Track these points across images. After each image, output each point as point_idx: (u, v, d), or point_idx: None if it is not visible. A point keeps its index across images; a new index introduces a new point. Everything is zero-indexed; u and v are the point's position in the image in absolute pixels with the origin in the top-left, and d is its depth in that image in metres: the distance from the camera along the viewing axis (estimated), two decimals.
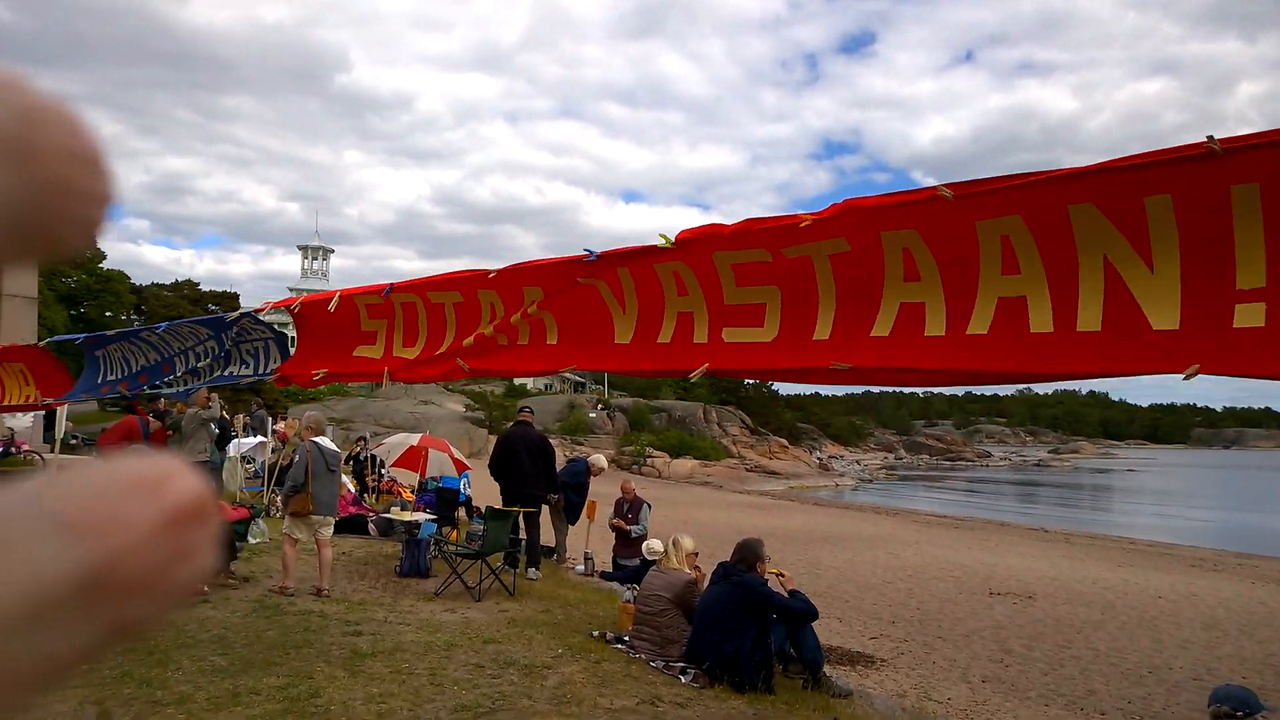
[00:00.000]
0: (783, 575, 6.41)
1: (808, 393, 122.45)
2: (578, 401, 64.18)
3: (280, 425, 16.89)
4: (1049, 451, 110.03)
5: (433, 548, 10.02)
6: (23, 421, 15.55)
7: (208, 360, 5.76)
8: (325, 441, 8.64)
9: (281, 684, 5.30)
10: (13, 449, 15.07)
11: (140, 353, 6.32)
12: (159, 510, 0.23)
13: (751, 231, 2.95)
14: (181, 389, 6.18)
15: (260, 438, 16.56)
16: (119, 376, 6.49)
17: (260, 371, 5.54)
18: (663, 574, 6.68)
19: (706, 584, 6.65)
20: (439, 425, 52.61)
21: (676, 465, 53.14)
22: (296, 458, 8.39)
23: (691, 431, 61.65)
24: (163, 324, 5.97)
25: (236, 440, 14.14)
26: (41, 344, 7.21)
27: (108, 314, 48.24)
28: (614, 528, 11.80)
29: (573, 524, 11.93)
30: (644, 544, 11.18)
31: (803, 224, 2.77)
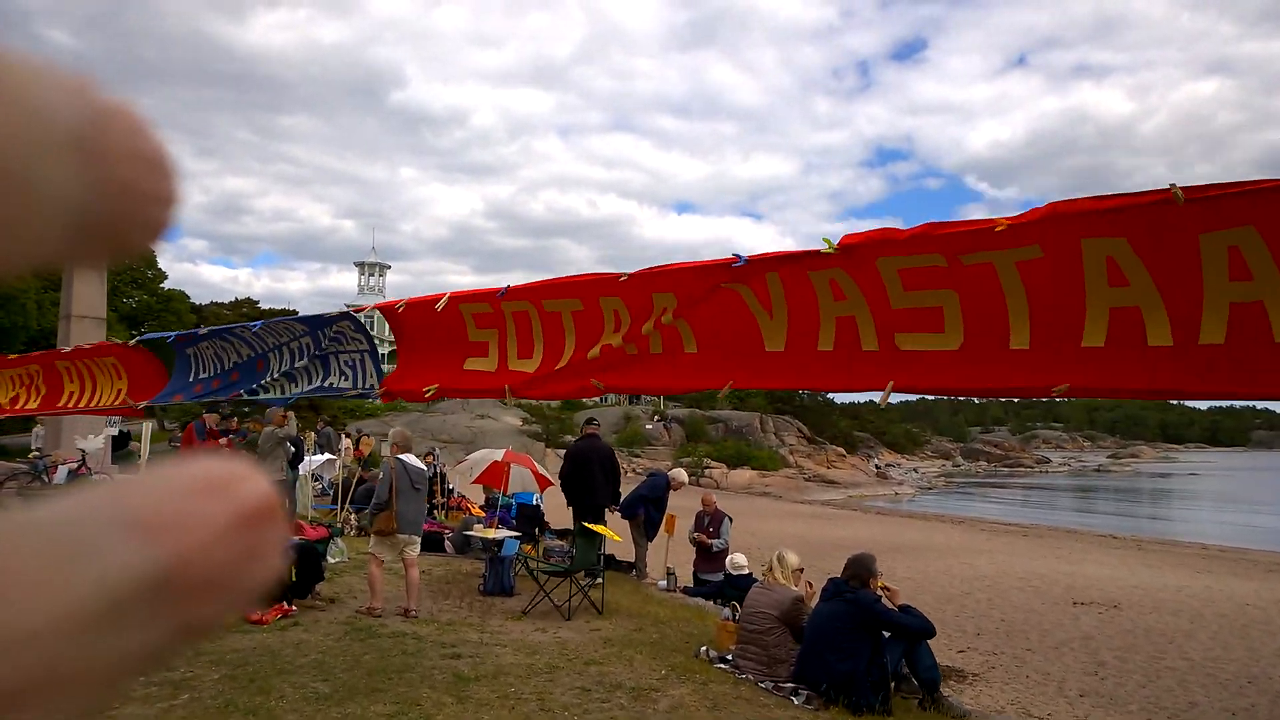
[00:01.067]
0: (889, 589, 6.13)
1: (863, 400, 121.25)
2: (633, 413, 63.99)
3: (347, 443, 16.93)
4: (1108, 456, 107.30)
5: (517, 565, 9.89)
6: (94, 443, 15.76)
7: (304, 361, 5.61)
8: (411, 458, 8.53)
9: (389, 712, 5.15)
10: (83, 469, 15.28)
11: (233, 349, 6.17)
12: (228, 511, 0.23)
13: (929, 236, 2.75)
14: (279, 395, 5.97)
15: (328, 455, 16.60)
16: (211, 374, 6.35)
17: (360, 386, 5.37)
18: (768, 591, 6.43)
19: (816, 600, 6.39)
20: (496, 439, 52.67)
21: (734, 476, 52.69)
22: (381, 475, 8.29)
23: (749, 441, 61.16)
24: (258, 322, 5.83)
25: (307, 458, 14.15)
26: (133, 342, 7.09)
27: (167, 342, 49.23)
28: (695, 542, 11.55)
29: (652, 540, 11.70)
30: (728, 559, 10.94)
31: (998, 229, 2.55)
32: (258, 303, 56.74)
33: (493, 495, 19.39)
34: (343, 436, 18.66)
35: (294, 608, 7.86)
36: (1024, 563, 19.19)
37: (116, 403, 7.26)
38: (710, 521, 11.59)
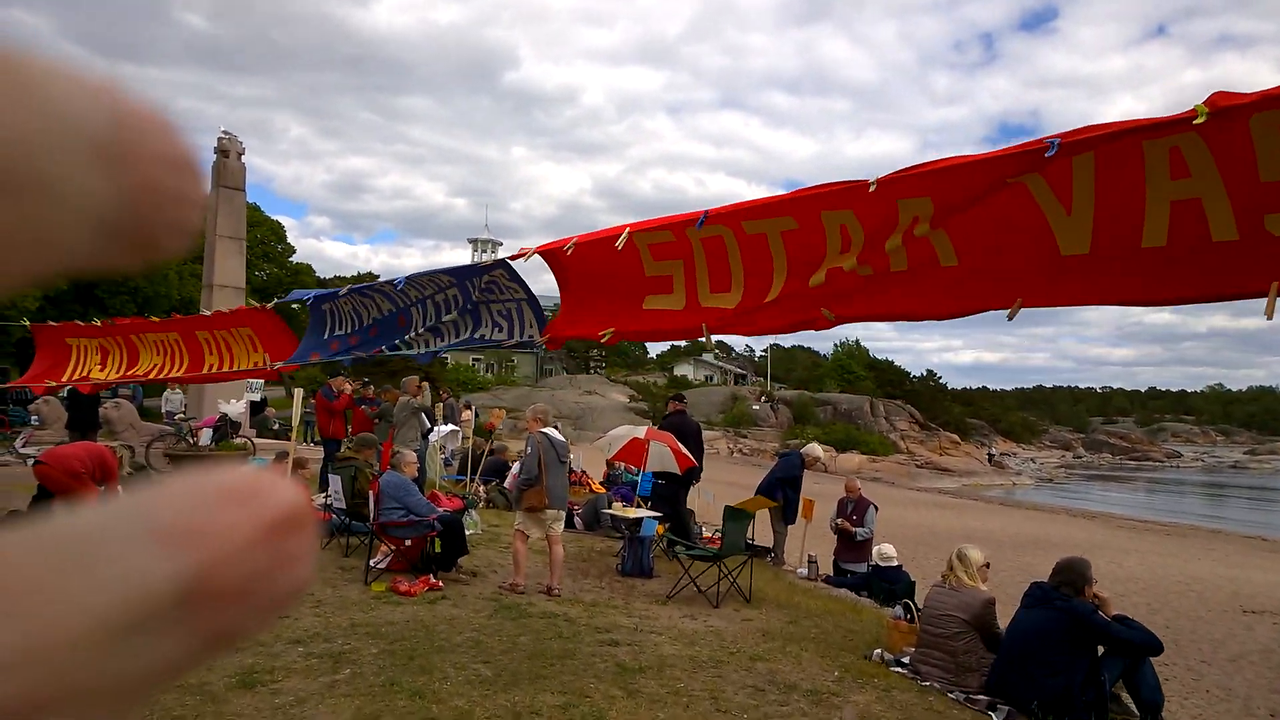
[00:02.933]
0: (1102, 598, 5.49)
1: (976, 386, 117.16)
2: (740, 393, 63.37)
3: (467, 414, 16.91)
4: (1244, 452, 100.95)
5: (656, 547, 9.55)
6: (236, 408, 16.13)
7: (452, 315, 5.19)
8: (554, 432, 8.24)
9: (560, 703, 4.84)
10: (229, 433, 15.65)
11: (373, 304, 5.80)
12: (257, 519, 0.23)
13: None
14: (423, 350, 5.59)
15: (452, 426, 16.63)
16: (349, 330, 5.99)
17: (518, 336, 4.95)
18: (954, 592, 5.87)
19: (999, 604, 5.80)
20: (602, 416, 52.90)
21: (843, 460, 51.48)
22: (528, 449, 8.02)
23: (858, 425, 59.80)
24: (401, 277, 5.43)
25: (435, 429, 14.14)
26: (269, 305, 6.96)
27: (294, 306, 50.99)
28: (837, 530, 11.01)
29: (791, 523, 11.15)
30: (875, 549, 10.37)
31: None
32: (378, 276, 58.06)
33: (614, 472, 19.23)
34: (463, 408, 18.73)
35: (440, 581, 7.69)
36: (1178, 564, 17.93)
37: (261, 369, 7.19)
38: (854, 509, 11.02)
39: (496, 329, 5.05)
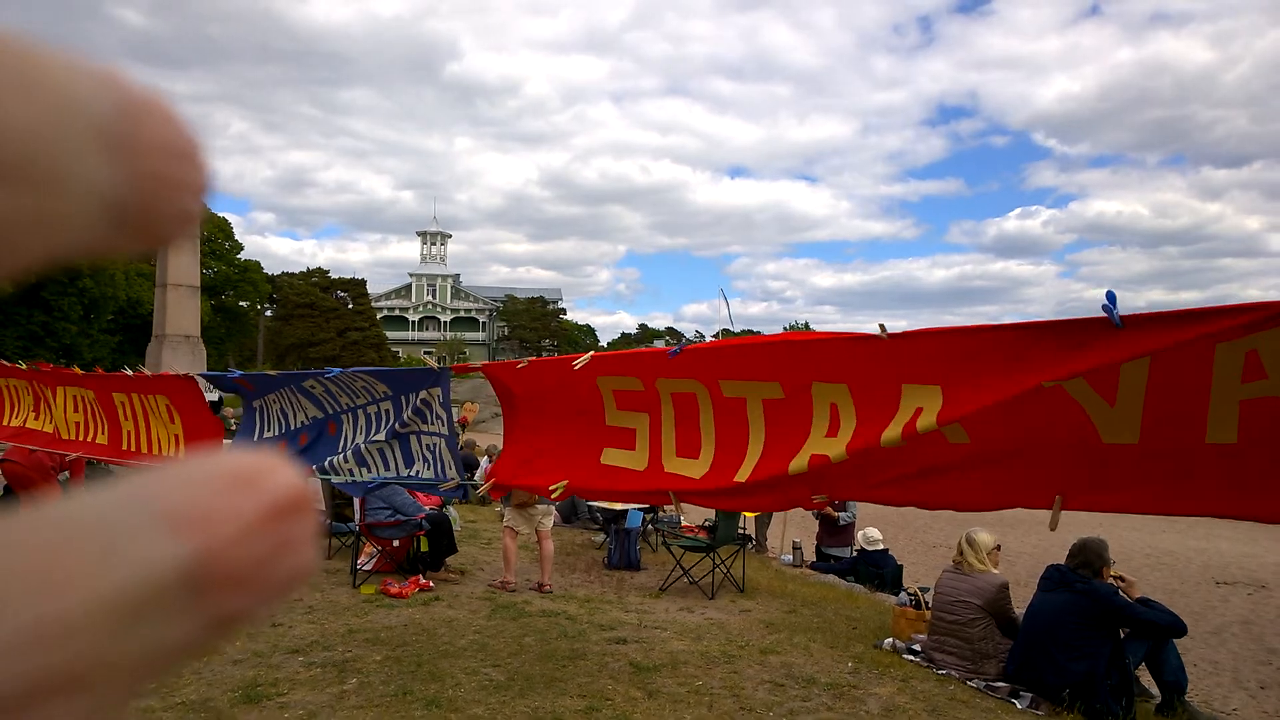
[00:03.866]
0: (1125, 580, 5.47)
1: None
2: None
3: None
4: None
5: (643, 540, 9.41)
6: None
7: (379, 438, 4.69)
8: None
9: (582, 708, 4.67)
10: None
11: (299, 407, 5.34)
12: (258, 503, 0.24)
13: None
14: (349, 481, 5.08)
15: None
16: (277, 433, 5.52)
17: (442, 475, 4.44)
18: (965, 577, 5.81)
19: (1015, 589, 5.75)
20: None
21: None
22: None
23: None
24: (334, 370, 4.97)
25: None
26: (195, 374, 6.05)
27: (243, 303, 49.89)
28: (819, 515, 10.96)
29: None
30: (860, 533, 10.35)
31: None
32: (328, 272, 57.08)
33: None
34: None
35: (429, 581, 7.47)
36: (1144, 537, 18.24)
37: (174, 453, 5.96)
38: None
39: (425, 464, 4.53)
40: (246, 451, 0.25)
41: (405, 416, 4.54)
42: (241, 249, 49.00)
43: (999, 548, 6.11)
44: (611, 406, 3.67)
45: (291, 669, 5.22)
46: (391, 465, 4.66)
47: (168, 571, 0.21)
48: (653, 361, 3.53)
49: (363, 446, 4.79)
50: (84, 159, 0.21)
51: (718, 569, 8.07)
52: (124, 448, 6.42)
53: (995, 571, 5.88)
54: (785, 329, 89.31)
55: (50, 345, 34.60)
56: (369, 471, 4.84)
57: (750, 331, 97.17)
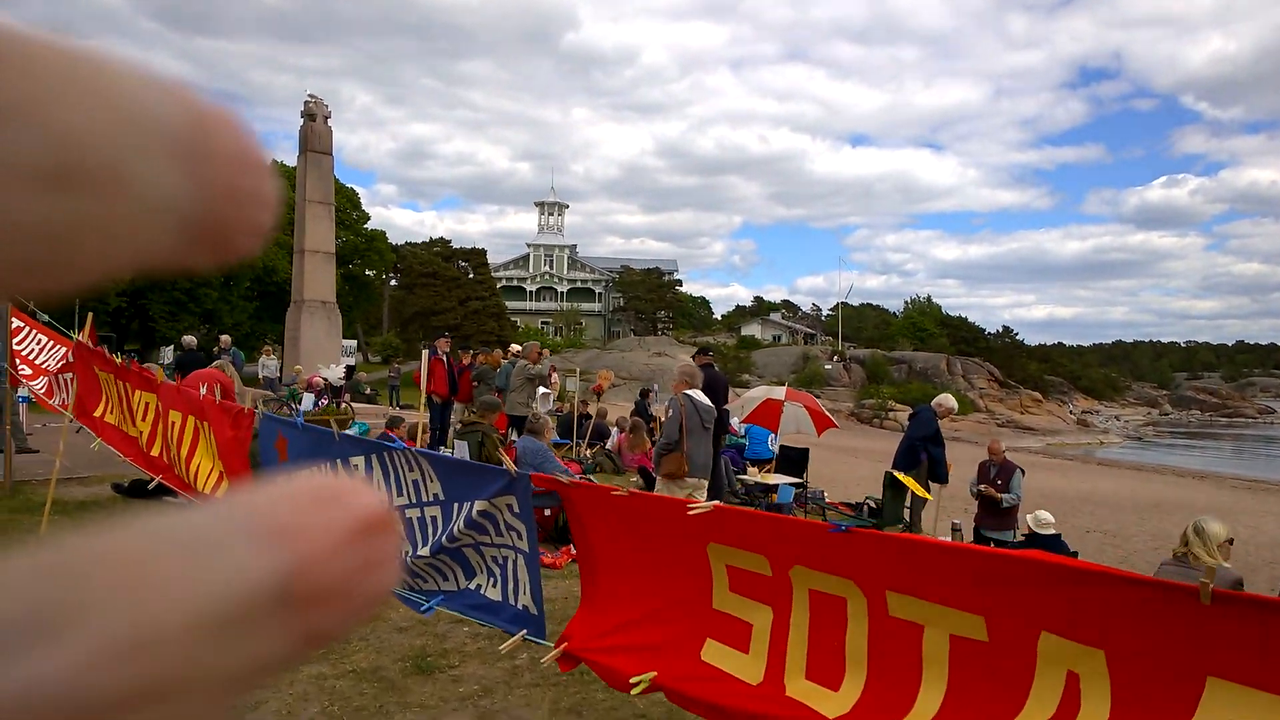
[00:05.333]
0: None
1: (1052, 342, 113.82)
2: (812, 352, 62.32)
3: (555, 376, 16.49)
4: None
5: (797, 514, 8.99)
6: (335, 372, 15.95)
7: (426, 551, 3.70)
8: (699, 395, 7.68)
9: None
10: (330, 398, 15.48)
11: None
12: (346, 520, 0.24)
13: None
14: (405, 593, 4.06)
15: (543, 389, 16.25)
16: None
17: (511, 600, 3.45)
18: (1194, 571, 5.17)
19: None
20: (671, 377, 52.48)
21: None
22: (669, 412, 7.49)
23: (934, 384, 58.43)
24: (396, 442, 4.18)
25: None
26: (250, 409, 5.11)
27: (369, 272, 51.26)
28: (980, 495, 10.29)
29: (945, 483, 10.14)
30: (1030, 516, 9.64)
31: None
32: (450, 242, 58.13)
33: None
34: (552, 370, 18.38)
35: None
36: None
37: (217, 491, 5.13)
38: (999, 473, 10.28)
39: (492, 580, 3.58)
40: (331, 474, 0.26)
41: (455, 530, 3.55)
42: (368, 219, 50.26)
43: (1231, 541, 5.43)
44: (722, 586, 2.77)
45: (458, 639, 5.04)
46: (451, 578, 3.74)
47: (260, 584, 0.22)
48: (795, 538, 2.66)
49: (409, 561, 3.80)
50: (155, 169, 0.22)
51: None
52: (183, 476, 5.59)
53: (1228, 565, 5.22)
54: (905, 302, 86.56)
55: (193, 310, 36.23)
56: (425, 583, 3.85)
57: (871, 306, 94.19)
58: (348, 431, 12.88)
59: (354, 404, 18.97)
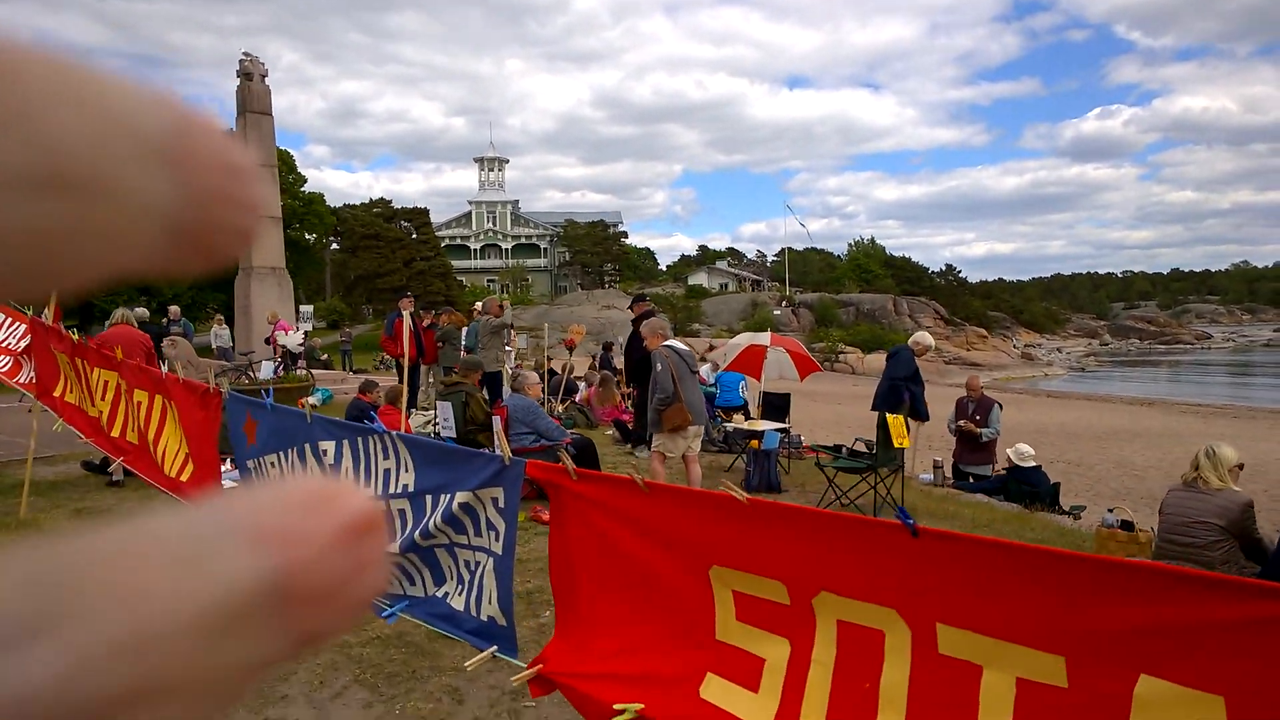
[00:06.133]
0: None
1: (993, 278, 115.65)
2: (761, 299, 62.53)
3: (514, 334, 16.26)
4: (1275, 330, 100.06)
5: (785, 460, 8.95)
6: (294, 338, 15.51)
7: (394, 547, 3.32)
8: (678, 344, 7.56)
9: None
10: (290, 365, 15.06)
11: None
12: (335, 523, 0.25)
13: None
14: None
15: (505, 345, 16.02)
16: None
17: (473, 612, 3.07)
18: (1203, 495, 5.21)
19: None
20: (624, 330, 52.29)
21: (870, 361, 50.90)
22: (658, 367, 7.34)
23: (882, 325, 59.22)
24: (377, 425, 3.63)
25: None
26: (212, 388, 4.67)
27: (309, 236, 49.96)
28: (958, 431, 10.38)
29: (927, 420, 10.11)
30: (1010, 449, 9.74)
31: None
32: (390, 202, 56.80)
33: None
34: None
35: None
36: (1266, 447, 17.37)
37: (183, 473, 4.92)
38: (976, 408, 10.37)
39: (460, 586, 3.18)
40: (320, 476, 0.26)
41: (430, 525, 3.17)
42: (305, 181, 48.86)
43: (1242, 466, 5.47)
44: (728, 614, 2.35)
45: None
46: (418, 582, 3.36)
47: (252, 586, 0.22)
48: (825, 552, 2.17)
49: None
50: (141, 174, 0.22)
51: (873, 490, 7.59)
52: (152, 456, 5.26)
53: (1237, 489, 5.26)
54: (850, 245, 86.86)
55: (131, 282, 34.97)
56: (390, 587, 3.44)
57: (815, 250, 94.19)
58: (311, 399, 12.54)
59: (311, 370, 18.56)
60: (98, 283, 0.23)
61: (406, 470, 3.36)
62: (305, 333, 16.65)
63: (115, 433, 5.78)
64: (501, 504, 2.96)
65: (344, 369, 24.46)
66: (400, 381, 9.90)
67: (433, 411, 10.88)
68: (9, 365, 7.42)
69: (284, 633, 0.23)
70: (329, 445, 3.75)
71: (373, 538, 0.25)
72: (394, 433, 3.43)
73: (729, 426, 9.95)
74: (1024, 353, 63.61)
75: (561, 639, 2.80)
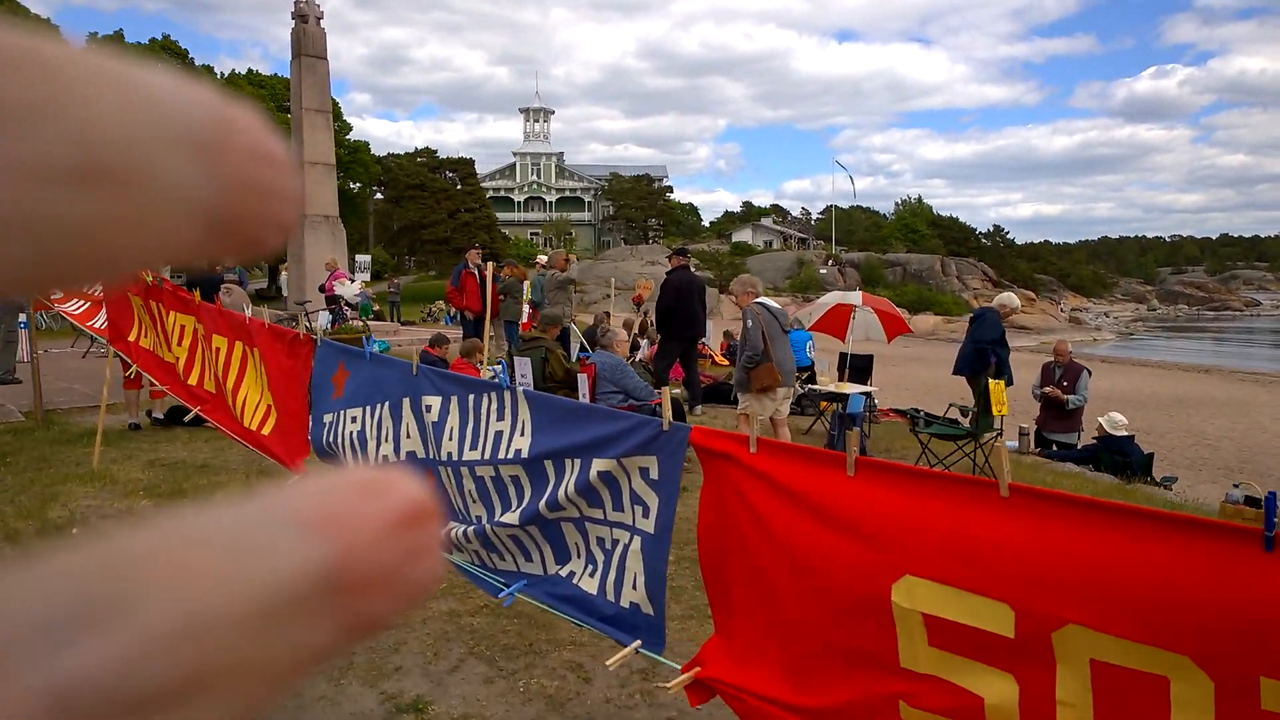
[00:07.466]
0: None
1: (1039, 240, 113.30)
2: (806, 257, 61.73)
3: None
4: None
5: (868, 425, 8.66)
6: (351, 289, 15.39)
7: (513, 518, 3.12)
8: (770, 301, 7.26)
9: None
10: (345, 316, 14.97)
11: (397, 425, 3.77)
12: (390, 511, 0.25)
13: None
14: (475, 565, 3.53)
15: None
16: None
17: (613, 598, 2.81)
18: None
19: None
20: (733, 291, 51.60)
21: (918, 321, 50.27)
22: (748, 324, 7.06)
23: (930, 285, 58.38)
24: (501, 379, 3.27)
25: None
26: (309, 335, 4.48)
27: (354, 185, 49.89)
28: (1044, 398, 10.00)
29: (1010, 384, 9.75)
30: (1104, 417, 9.37)
31: None
32: (436, 152, 56.42)
33: (734, 343, 18.35)
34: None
35: None
36: None
37: (264, 426, 4.75)
38: (1064, 374, 9.98)
39: (591, 567, 2.91)
40: (374, 466, 0.26)
41: (560, 495, 2.87)
42: (350, 130, 48.64)
43: None
44: (917, 639, 1.95)
45: None
46: (535, 559, 3.12)
47: (305, 573, 0.23)
48: (1097, 570, 1.71)
49: (487, 527, 3.21)
50: (177, 165, 0.23)
51: (969, 457, 7.30)
52: (230, 406, 5.06)
53: None
54: (897, 204, 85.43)
55: None
56: (502, 560, 3.25)
57: (861, 209, 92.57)
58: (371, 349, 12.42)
59: (366, 321, 18.51)
60: (136, 271, 0.23)
61: (522, 434, 3.10)
62: (363, 282, 16.52)
63: (192, 380, 5.62)
64: (655, 475, 2.67)
65: (392, 319, 24.42)
66: (471, 336, 9.71)
67: (499, 366, 10.72)
68: (85, 308, 7.29)
69: (338, 620, 0.23)
70: (434, 401, 3.51)
71: (426, 526, 0.25)
72: (521, 388, 3.17)
73: (818, 388, 9.64)
74: (1071, 317, 62.54)
75: (723, 638, 2.50)
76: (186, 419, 7.70)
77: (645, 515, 2.70)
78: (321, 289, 15.83)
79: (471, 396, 3.33)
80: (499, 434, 3.19)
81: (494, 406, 3.24)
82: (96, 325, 7.10)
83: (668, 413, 2.69)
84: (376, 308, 21.49)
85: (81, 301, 7.27)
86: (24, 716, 0.18)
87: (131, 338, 6.54)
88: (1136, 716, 1.68)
